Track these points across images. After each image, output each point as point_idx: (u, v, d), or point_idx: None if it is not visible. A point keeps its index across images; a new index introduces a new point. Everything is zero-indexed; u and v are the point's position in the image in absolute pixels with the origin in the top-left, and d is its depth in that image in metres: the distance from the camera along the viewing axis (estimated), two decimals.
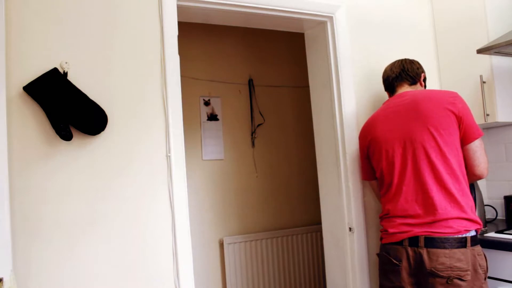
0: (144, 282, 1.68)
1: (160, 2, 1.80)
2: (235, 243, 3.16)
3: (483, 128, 2.55)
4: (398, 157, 1.81)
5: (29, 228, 1.53)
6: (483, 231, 2.07)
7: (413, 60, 2.03)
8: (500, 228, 2.15)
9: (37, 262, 1.53)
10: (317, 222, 3.47)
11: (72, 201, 1.60)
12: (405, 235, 1.74)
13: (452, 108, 1.74)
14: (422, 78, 2.00)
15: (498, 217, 2.48)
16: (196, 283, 3.04)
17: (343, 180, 2.17)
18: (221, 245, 3.17)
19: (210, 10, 1.96)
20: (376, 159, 1.90)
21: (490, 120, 2.21)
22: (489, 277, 1.92)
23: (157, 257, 1.71)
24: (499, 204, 2.49)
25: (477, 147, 1.77)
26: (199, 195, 3.14)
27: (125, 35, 1.74)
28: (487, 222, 2.33)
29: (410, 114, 1.80)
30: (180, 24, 1.92)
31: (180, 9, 1.89)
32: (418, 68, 2.00)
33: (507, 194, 2.45)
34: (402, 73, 1.97)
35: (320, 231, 3.43)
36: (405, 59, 2.02)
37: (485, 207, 2.50)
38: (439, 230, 1.68)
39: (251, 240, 3.21)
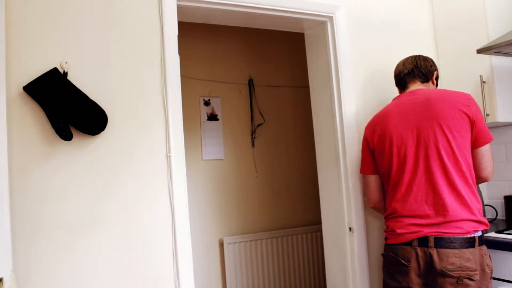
0: (144, 282, 1.68)
1: (160, 2, 1.80)
2: (235, 243, 3.16)
3: None
4: (410, 156, 1.79)
5: (29, 228, 1.52)
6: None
7: (427, 57, 1.99)
8: (500, 228, 2.15)
9: (37, 262, 1.53)
10: (317, 222, 3.47)
11: (72, 201, 1.60)
12: (414, 236, 1.72)
13: (467, 111, 1.74)
14: (434, 76, 1.97)
15: (498, 217, 2.48)
16: (196, 283, 3.04)
17: (343, 180, 2.17)
18: (221, 245, 3.17)
19: (210, 10, 1.96)
20: (386, 155, 1.86)
21: (490, 120, 2.21)
22: None
23: (157, 257, 1.71)
24: (499, 204, 2.49)
25: (486, 151, 1.77)
26: (199, 195, 3.14)
27: (125, 35, 1.74)
28: None
29: (424, 112, 1.78)
30: (180, 24, 1.92)
31: (180, 9, 1.89)
32: (431, 66, 1.96)
33: (507, 194, 2.45)
34: (415, 69, 1.94)
35: (320, 231, 3.44)
36: (419, 56, 1.99)
37: (485, 207, 2.50)
38: (448, 230, 1.68)
39: (251, 240, 3.21)
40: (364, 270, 2.14)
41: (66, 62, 1.62)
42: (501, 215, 2.48)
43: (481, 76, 2.21)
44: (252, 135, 3.37)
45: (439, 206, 1.71)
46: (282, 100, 3.54)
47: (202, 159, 3.18)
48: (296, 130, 3.57)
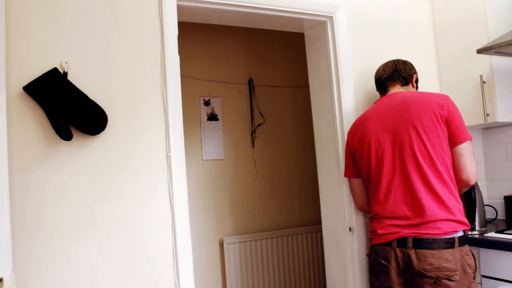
0: (144, 282, 1.68)
1: (160, 2, 1.80)
2: (235, 243, 3.16)
3: (483, 128, 2.55)
4: (388, 158, 1.81)
5: (29, 228, 1.52)
6: (483, 231, 2.07)
7: (406, 60, 2.03)
8: (500, 228, 2.15)
9: (37, 262, 1.53)
10: (317, 222, 3.47)
11: (72, 201, 1.60)
12: (394, 236, 1.75)
13: (442, 111, 1.75)
14: (414, 79, 2.01)
15: (498, 217, 2.48)
16: (196, 283, 3.04)
17: (343, 180, 2.17)
18: (221, 245, 3.17)
19: (210, 10, 1.96)
20: (365, 158, 1.89)
21: (490, 120, 2.21)
22: (489, 277, 1.92)
23: (157, 257, 1.71)
24: (499, 204, 2.49)
25: (463, 150, 1.75)
26: (199, 195, 3.14)
27: (125, 35, 1.74)
28: (487, 222, 2.33)
29: (401, 115, 1.80)
30: (180, 24, 1.92)
31: (180, 9, 1.89)
32: (410, 69, 2.00)
33: (507, 194, 2.45)
34: (395, 73, 1.98)
35: (320, 231, 3.43)
36: (398, 60, 2.03)
37: (485, 207, 2.50)
38: (427, 231, 1.69)
39: (251, 240, 3.21)
40: (364, 270, 2.14)
41: (66, 62, 1.62)
42: (501, 215, 2.48)
43: (481, 76, 2.21)
44: (252, 135, 3.37)
45: (417, 207, 1.73)
46: (282, 100, 3.54)
47: (202, 159, 3.18)
48: (296, 130, 3.57)
